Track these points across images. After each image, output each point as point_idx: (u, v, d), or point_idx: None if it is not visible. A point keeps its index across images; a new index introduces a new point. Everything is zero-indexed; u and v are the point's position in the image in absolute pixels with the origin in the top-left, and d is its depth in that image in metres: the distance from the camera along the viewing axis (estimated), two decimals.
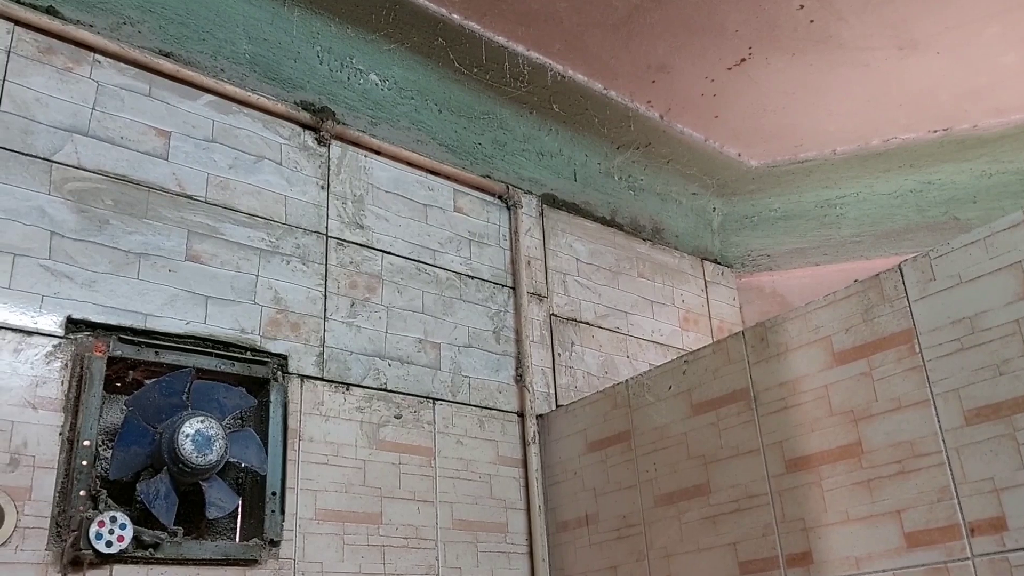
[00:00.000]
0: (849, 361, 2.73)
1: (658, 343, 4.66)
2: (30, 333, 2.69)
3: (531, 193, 4.41)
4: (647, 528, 3.27)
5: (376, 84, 3.92)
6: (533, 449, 3.78)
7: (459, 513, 3.49)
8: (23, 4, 2.99)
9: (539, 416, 3.88)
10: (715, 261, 5.28)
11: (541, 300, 4.21)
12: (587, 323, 4.37)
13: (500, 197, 4.26)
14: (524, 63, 4.16)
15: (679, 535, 3.15)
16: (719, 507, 3.03)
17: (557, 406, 3.98)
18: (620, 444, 3.46)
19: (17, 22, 2.97)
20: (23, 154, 2.86)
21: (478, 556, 3.48)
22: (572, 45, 4.10)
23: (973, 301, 2.45)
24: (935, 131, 4.85)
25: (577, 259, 4.50)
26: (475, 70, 4.11)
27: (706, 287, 5.13)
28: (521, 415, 3.86)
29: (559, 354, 4.16)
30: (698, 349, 3.26)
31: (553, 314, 4.24)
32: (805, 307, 2.90)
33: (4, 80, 2.90)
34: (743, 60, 4.23)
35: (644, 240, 4.90)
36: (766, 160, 5.09)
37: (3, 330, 2.64)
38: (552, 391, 4.04)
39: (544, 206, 4.45)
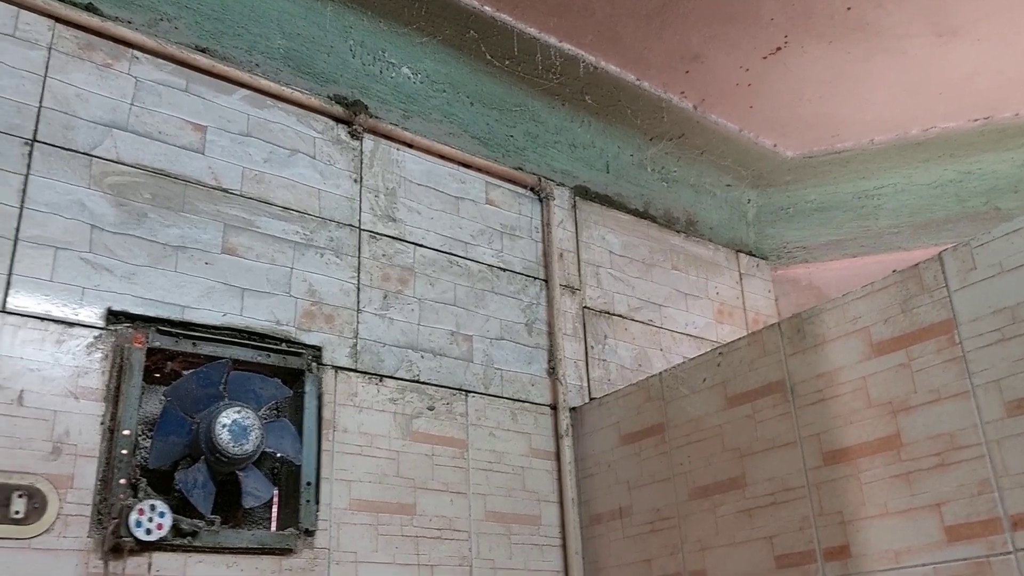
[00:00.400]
0: (888, 352, 2.69)
1: (692, 336, 4.63)
2: (71, 324, 2.74)
3: (563, 185, 4.40)
4: (681, 521, 3.25)
5: (408, 77, 3.93)
6: (566, 442, 3.77)
7: (492, 505, 3.50)
8: (64, 1, 3.04)
9: (572, 409, 3.88)
10: (750, 253, 5.22)
11: (574, 293, 4.20)
12: (620, 316, 4.35)
13: (532, 189, 4.25)
14: (556, 54, 4.15)
15: (714, 528, 3.12)
16: (755, 500, 3.00)
17: (590, 399, 3.96)
18: (654, 437, 3.44)
19: (58, 19, 3.02)
20: (64, 149, 2.91)
21: (511, 548, 3.48)
22: (604, 36, 4.08)
23: (1015, 291, 2.40)
24: (975, 120, 4.75)
25: (610, 251, 4.48)
26: (507, 62, 4.11)
27: (741, 280, 5.08)
28: (554, 408, 3.86)
29: (592, 347, 4.15)
30: (733, 341, 3.23)
31: (586, 307, 4.22)
32: (843, 298, 2.85)
33: (45, 76, 2.95)
34: (779, 49, 4.18)
35: (678, 232, 4.86)
36: (802, 151, 5.03)
37: (46, 321, 2.70)
38: (585, 384, 4.03)
39: (576, 198, 4.43)
